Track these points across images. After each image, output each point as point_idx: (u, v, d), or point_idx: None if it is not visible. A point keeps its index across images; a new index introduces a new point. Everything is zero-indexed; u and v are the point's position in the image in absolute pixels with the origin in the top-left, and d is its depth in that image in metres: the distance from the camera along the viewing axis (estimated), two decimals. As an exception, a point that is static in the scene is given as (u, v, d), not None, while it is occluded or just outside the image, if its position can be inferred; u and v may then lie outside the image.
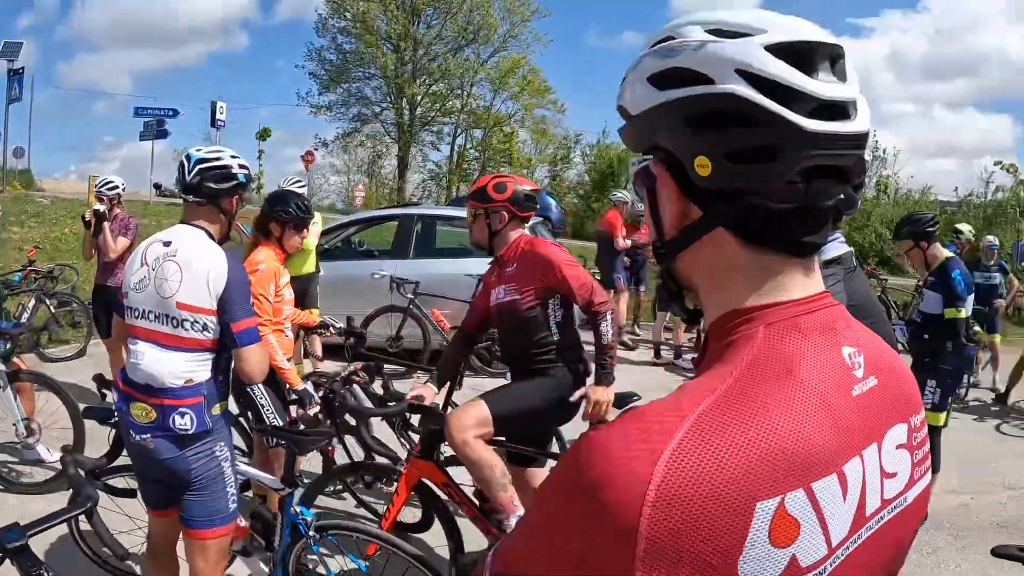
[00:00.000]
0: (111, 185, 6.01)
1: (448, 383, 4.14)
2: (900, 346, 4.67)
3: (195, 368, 2.45)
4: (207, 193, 2.55)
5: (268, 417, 3.60)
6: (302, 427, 3.40)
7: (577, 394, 3.14)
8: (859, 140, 0.71)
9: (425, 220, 8.72)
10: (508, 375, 3.47)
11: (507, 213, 3.23)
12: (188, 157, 2.59)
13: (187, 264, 2.44)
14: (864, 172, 0.74)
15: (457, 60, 35.34)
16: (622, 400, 3.23)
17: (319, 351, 6.42)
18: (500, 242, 3.28)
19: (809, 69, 0.70)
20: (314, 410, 3.52)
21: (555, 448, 3.64)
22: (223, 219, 2.64)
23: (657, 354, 9.00)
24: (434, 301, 7.47)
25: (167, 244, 2.52)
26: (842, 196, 0.72)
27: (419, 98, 35.58)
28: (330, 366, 6.34)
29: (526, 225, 3.38)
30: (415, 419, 3.86)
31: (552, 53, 44.90)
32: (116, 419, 2.68)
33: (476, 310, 3.47)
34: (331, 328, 4.31)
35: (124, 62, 70.16)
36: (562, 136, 36.94)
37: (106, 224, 5.71)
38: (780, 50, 0.70)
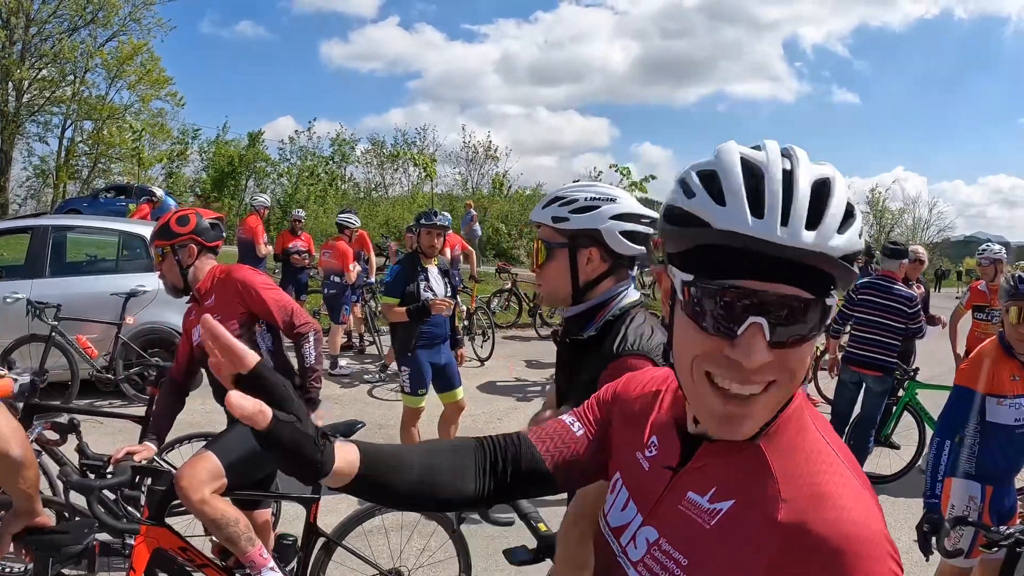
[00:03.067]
0: None
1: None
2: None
3: None
4: None
5: None
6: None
7: None
8: None
9: (61, 232, 7.67)
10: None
11: (195, 245, 3.19)
12: None
13: None
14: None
15: (72, 42, 31.15)
16: (349, 428, 3.07)
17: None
18: (194, 277, 3.22)
19: None
20: None
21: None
22: None
23: (334, 365, 8.91)
24: (79, 325, 6.77)
25: None
26: None
27: (27, 83, 30.66)
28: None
29: (216, 255, 3.32)
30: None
31: (169, 41, 41.43)
32: None
33: (181, 356, 3.34)
34: None
35: None
36: (178, 131, 34.49)
37: None
38: None
